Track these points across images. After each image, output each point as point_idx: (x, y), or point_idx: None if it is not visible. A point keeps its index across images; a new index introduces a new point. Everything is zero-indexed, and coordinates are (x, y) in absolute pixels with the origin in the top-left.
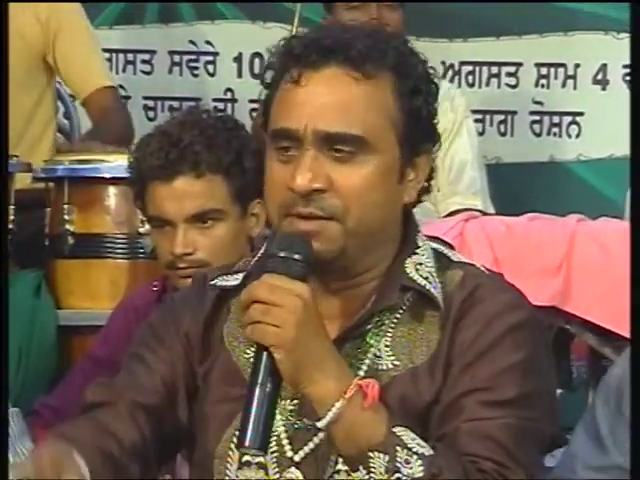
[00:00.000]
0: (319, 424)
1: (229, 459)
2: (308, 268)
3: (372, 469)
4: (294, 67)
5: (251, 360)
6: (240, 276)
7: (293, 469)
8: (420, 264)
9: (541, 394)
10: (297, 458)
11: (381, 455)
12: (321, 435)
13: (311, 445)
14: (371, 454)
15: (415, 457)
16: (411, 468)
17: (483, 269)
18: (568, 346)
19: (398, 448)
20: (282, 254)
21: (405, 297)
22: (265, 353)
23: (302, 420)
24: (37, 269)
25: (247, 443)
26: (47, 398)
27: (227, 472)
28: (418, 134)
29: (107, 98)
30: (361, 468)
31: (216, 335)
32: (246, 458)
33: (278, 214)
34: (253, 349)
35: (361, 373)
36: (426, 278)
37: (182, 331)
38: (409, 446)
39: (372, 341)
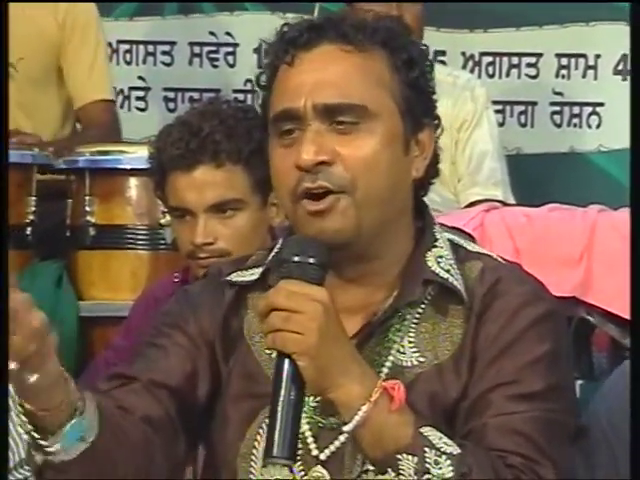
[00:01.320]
0: (345, 428)
1: (253, 457)
2: (324, 271)
3: (401, 472)
4: (288, 51)
5: (272, 356)
6: (256, 271)
7: (319, 467)
8: (440, 257)
9: (565, 386)
10: (323, 457)
11: (410, 457)
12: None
13: (337, 444)
14: (399, 457)
15: (444, 457)
16: (440, 468)
17: (500, 259)
18: (589, 337)
19: (426, 449)
20: (296, 259)
21: (427, 291)
22: (287, 360)
23: (327, 418)
24: (58, 260)
25: (275, 453)
26: None
27: (251, 470)
28: (418, 106)
29: (99, 111)
30: (390, 471)
31: (236, 331)
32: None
33: (288, 198)
34: None
35: (385, 370)
36: (447, 271)
37: (201, 321)
38: (437, 446)
39: (395, 337)
